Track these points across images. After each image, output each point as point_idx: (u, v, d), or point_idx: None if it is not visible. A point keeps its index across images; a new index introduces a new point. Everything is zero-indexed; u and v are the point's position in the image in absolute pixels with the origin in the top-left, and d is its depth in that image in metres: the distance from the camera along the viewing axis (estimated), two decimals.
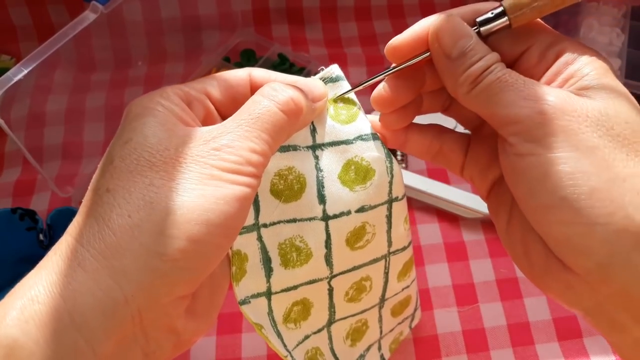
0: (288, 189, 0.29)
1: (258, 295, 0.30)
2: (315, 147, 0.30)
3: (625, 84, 0.61)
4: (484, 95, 0.26)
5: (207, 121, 0.28)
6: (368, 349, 0.39)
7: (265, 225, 0.29)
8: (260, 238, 0.30)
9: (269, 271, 0.30)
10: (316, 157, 0.30)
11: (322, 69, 0.31)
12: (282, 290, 0.31)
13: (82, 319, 0.22)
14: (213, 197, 0.24)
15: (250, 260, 0.29)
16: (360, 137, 0.31)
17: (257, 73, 0.30)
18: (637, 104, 0.26)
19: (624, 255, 0.22)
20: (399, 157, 0.56)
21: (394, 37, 0.29)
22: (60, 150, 0.57)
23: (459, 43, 0.27)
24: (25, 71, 0.42)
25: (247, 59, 0.64)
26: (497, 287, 0.49)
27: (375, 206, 0.31)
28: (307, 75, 0.62)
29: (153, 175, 0.24)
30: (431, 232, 0.52)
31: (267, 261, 0.30)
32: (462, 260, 0.50)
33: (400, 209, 0.33)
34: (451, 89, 0.27)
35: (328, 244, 0.31)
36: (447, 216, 0.53)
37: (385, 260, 0.34)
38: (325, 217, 0.30)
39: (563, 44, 0.27)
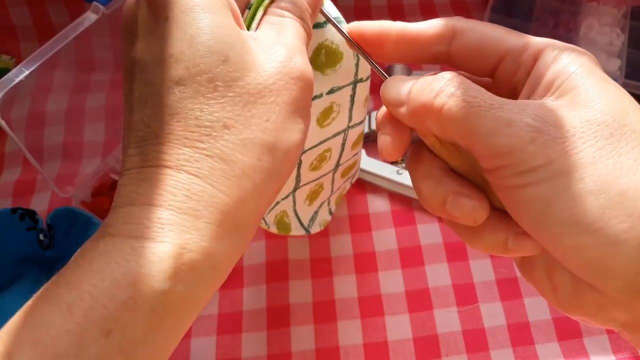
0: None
1: None
2: None
3: (625, 84, 0.61)
4: (452, 123, 0.23)
5: None
6: (320, 205, 0.43)
7: None
8: None
9: None
10: None
11: None
12: None
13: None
14: (303, 128, 0.24)
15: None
16: (327, 22, 0.31)
17: None
18: (632, 99, 0.24)
19: None
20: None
21: None
22: (60, 150, 0.57)
23: (399, 94, 0.26)
24: (27, 72, 0.42)
25: None
26: (497, 287, 0.49)
27: (342, 87, 0.32)
28: None
29: (266, 109, 0.22)
30: (431, 232, 0.52)
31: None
32: (462, 260, 0.50)
33: (363, 89, 0.34)
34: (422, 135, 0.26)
35: None
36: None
37: (345, 133, 0.36)
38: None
39: (538, 44, 0.25)
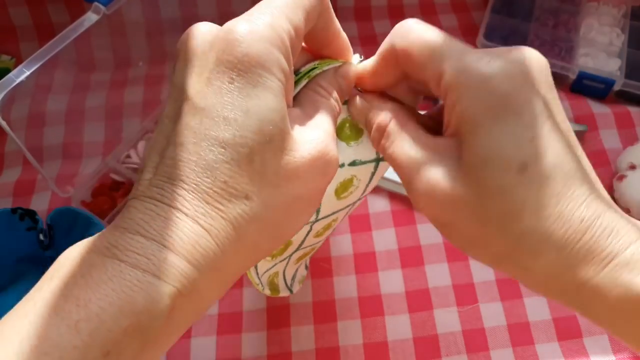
0: None
1: None
2: None
3: (625, 84, 0.61)
4: (395, 158, 0.28)
5: None
6: (300, 261, 0.43)
7: None
8: None
9: None
10: None
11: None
12: None
13: None
14: (310, 215, 0.28)
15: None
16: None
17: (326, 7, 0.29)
18: (525, 130, 0.24)
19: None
20: None
21: None
22: (60, 150, 0.57)
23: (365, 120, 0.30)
24: (28, 72, 0.42)
25: None
26: (497, 287, 0.49)
27: (365, 162, 0.33)
28: None
29: (287, 193, 0.24)
30: (431, 232, 0.52)
31: None
32: (462, 260, 0.50)
33: (384, 168, 0.35)
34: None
35: None
36: None
37: (354, 204, 0.37)
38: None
39: (445, 82, 0.26)
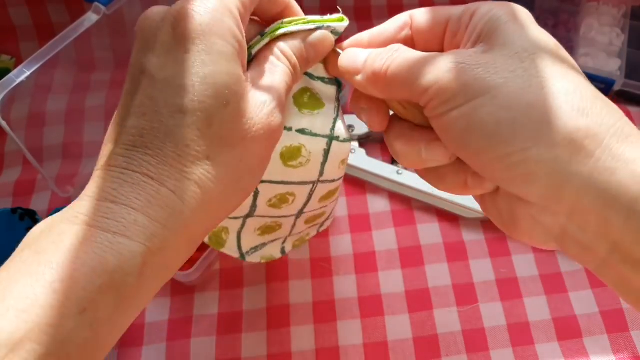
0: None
1: None
2: None
3: (625, 84, 0.61)
4: (395, 79, 0.27)
5: None
6: (273, 241, 0.42)
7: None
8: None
9: None
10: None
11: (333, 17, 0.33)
12: None
13: None
14: (262, 173, 0.29)
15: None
16: (321, 79, 0.34)
17: None
18: (557, 43, 0.28)
19: (564, 168, 0.23)
20: None
21: None
22: (60, 150, 0.57)
23: (356, 63, 0.30)
24: (28, 72, 0.43)
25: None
26: (497, 287, 0.49)
27: (315, 134, 0.34)
28: None
29: (243, 152, 0.26)
30: (431, 232, 0.52)
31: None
32: (462, 260, 0.50)
33: (340, 151, 0.35)
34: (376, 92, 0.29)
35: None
36: (447, 216, 0.53)
37: (313, 185, 0.37)
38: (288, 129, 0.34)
39: (475, 5, 0.28)
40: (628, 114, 0.60)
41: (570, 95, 0.24)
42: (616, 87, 0.60)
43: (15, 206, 0.47)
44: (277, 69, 0.29)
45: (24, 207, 0.47)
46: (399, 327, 0.46)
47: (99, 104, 0.60)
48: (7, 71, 0.63)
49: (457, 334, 0.46)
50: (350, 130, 0.57)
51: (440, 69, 0.26)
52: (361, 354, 0.45)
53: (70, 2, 0.65)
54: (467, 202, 0.51)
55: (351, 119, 0.58)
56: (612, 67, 0.62)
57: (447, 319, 0.47)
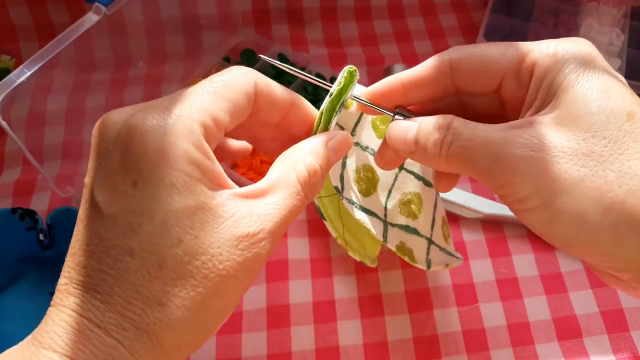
0: (368, 181, 0.35)
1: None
2: (352, 137, 0.35)
3: None
4: (454, 167, 0.26)
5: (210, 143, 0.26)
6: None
7: (386, 215, 0.36)
8: (393, 225, 0.36)
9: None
10: (357, 144, 0.35)
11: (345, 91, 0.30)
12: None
13: None
14: (234, 306, 0.25)
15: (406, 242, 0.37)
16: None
17: (261, 86, 0.27)
18: (635, 98, 0.25)
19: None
20: None
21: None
22: (60, 150, 0.57)
23: (406, 143, 0.28)
24: (29, 73, 0.43)
25: (247, 59, 0.64)
26: (497, 287, 0.49)
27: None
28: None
29: (205, 293, 0.23)
30: None
31: (407, 228, 0.37)
32: (462, 260, 0.50)
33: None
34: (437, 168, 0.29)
35: (417, 175, 0.38)
36: (447, 216, 0.53)
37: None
38: (400, 167, 0.36)
39: (532, 57, 0.26)
40: None
41: None
42: None
43: (15, 206, 0.47)
44: (286, 192, 0.26)
45: (24, 207, 0.47)
46: (399, 327, 0.46)
47: (99, 104, 0.60)
48: (7, 71, 0.63)
49: (457, 334, 0.46)
50: None
51: (510, 164, 0.24)
52: (361, 354, 0.45)
53: (70, 2, 0.65)
54: (467, 202, 0.51)
55: None
56: (612, 67, 0.62)
57: (447, 319, 0.47)
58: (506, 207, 0.51)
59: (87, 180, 0.24)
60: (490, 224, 0.52)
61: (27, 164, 0.58)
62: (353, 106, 0.33)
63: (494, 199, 0.52)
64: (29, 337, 0.23)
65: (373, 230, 0.34)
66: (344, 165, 0.34)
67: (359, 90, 0.31)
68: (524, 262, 0.50)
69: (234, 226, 0.24)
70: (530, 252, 0.51)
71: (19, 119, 0.56)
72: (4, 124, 0.42)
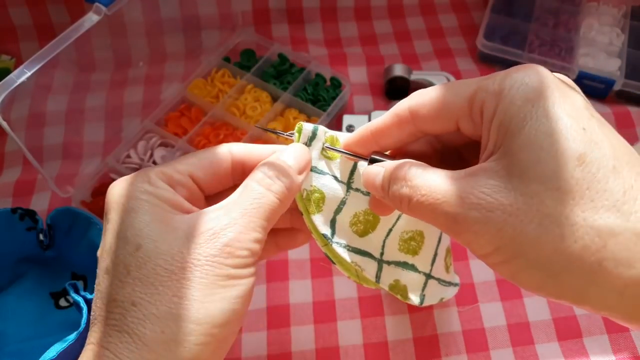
0: (367, 223, 0.35)
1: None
2: (350, 184, 0.35)
3: (625, 84, 0.61)
4: (421, 217, 0.27)
5: (191, 201, 0.30)
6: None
7: (382, 254, 0.36)
8: (389, 263, 0.36)
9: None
10: (357, 190, 0.35)
11: (293, 133, 0.34)
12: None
13: None
14: (232, 298, 0.26)
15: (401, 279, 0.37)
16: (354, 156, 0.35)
17: (237, 149, 0.32)
18: (573, 123, 0.23)
19: (624, 307, 0.23)
20: None
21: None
22: (60, 150, 0.57)
23: (376, 189, 0.29)
24: (29, 73, 0.43)
25: (247, 59, 0.64)
26: (497, 287, 0.49)
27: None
28: (307, 76, 0.62)
29: (174, 285, 0.25)
30: None
31: (405, 264, 0.37)
32: (462, 260, 0.50)
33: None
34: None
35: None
36: None
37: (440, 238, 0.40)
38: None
39: (479, 95, 0.26)
40: (628, 114, 0.60)
41: (610, 243, 0.22)
42: (616, 87, 0.60)
43: (15, 206, 0.47)
44: (246, 194, 0.29)
45: (24, 207, 0.47)
46: (399, 327, 0.46)
47: (99, 104, 0.60)
48: (7, 71, 0.63)
49: (457, 334, 0.46)
50: (350, 130, 0.57)
51: (465, 222, 0.24)
52: (361, 354, 0.45)
53: (70, 2, 0.65)
54: None
55: (351, 119, 0.58)
56: (612, 67, 0.62)
57: (447, 319, 0.47)
58: None
59: (103, 241, 0.29)
60: None
61: (27, 164, 0.58)
62: (338, 157, 0.35)
63: None
64: None
65: (366, 272, 0.36)
66: (338, 210, 0.35)
67: (342, 137, 0.34)
68: None
69: (189, 229, 0.27)
70: None
71: (19, 119, 0.56)
72: (4, 124, 0.42)
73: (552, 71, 0.26)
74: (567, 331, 0.46)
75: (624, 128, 0.59)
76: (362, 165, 0.34)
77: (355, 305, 0.48)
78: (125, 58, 0.63)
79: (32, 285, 0.48)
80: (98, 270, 0.27)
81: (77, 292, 0.41)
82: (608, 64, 0.63)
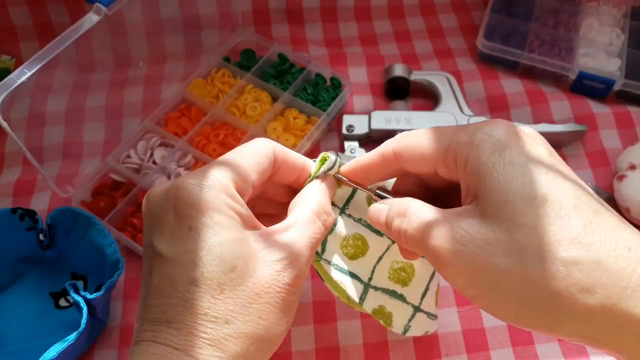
0: (357, 248, 0.37)
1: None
2: (344, 210, 0.38)
3: (625, 84, 0.61)
4: (415, 249, 0.30)
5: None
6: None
7: (370, 279, 0.38)
8: (376, 288, 0.38)
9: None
10: (349, 216, 0.38)
11: (326, 158, 0.36)
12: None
13: None
14: (289, 323, 0.30)
15: (387, 306, 0.38)
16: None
17: (279, 152, 0.34)
18: (538, 167, 0.27)
19: (592, 333, 0.25)
20: None
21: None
22: (60, 150, 0.57)
23: (380, 225, 0.32)
24: (29, 73, 0.43)
25: (247, 59, 0.64)
26: None
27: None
28: (307, 76, 0.62)
29: (260, 308, 0.28)
30: None
31: (393, 293, 0.38)
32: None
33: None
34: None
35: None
36: None
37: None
38: (393, 240, 0.38)
39: (452, 147, 0.29)
40: (628, 114, 0.60)
41: (573, 271, 0.24)
42: (616, 87, 0.60)
43: (15, 206, 0.47)
44: (304, 222, 0.32)
45: (24, 207, 0.47)
46: None
47: (99, 104, 0.60)
48: (7, 71, 0.63)
49: (457, 334, 0.46)
50: (350, 130, 0.57)
51: (442, 255, 0.27)
52: (361, 354, 0.45)
53: (70, 3, 0.65)
54: None
55: (351, 118, 0.58)
56: (612, 67, 0.62)
57: (447, 319, 0.47)
58: None
59: (145, 240, 0.30)
60: None
61: (27, 164, 0.58)
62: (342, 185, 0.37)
63: None
64: None
65: (350, 292, 0.37)
66: (330, 231, 0.37)
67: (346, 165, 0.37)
68: None
69: (269, 254, 0.29)
70: None
71: (19, 119, 0.56)
72: (4, 124, 0.42)
73: (552, 71, 0.28)
74: None
75: (624, 128, 0.59)
76: (362, 195, 0.38)
77: None
78: (125, 58, 0.63)
79: (32, 285, 0.48)
80: (173, 275, 0.27)
81: (77, 292, 0.41)
82: (608, 64, 0.63)
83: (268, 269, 0.29)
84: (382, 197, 0.34)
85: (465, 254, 0.26)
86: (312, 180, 0.36)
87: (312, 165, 0.36)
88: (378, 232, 0.38)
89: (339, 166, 0.36)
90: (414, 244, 0.29)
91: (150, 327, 0.27)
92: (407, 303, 0.39)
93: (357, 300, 0.37)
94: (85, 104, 0.60)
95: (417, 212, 0.29)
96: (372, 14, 0.72)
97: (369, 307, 0.37)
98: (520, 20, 0.67)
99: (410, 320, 0.39)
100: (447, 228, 0.27)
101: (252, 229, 0.30)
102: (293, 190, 0.36)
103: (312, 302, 0.48)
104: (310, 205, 0.33)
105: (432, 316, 0.41)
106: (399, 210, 0.30)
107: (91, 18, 0.46)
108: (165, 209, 0.29)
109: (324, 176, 0.36)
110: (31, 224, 0.47)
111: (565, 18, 0.67)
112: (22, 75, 0.43)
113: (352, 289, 0.37)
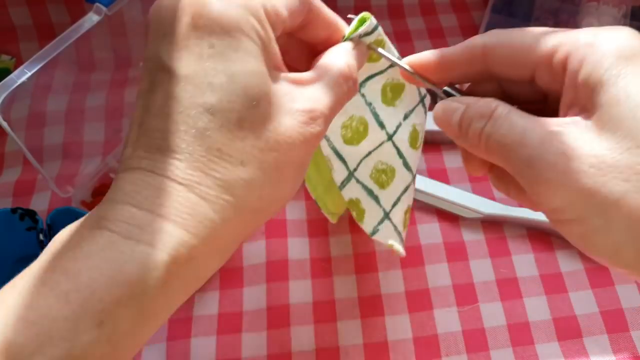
0: (356, 133, 0.36)
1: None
2: (360, 87, 0.36)
3: None
4: (495, 157, 0.25)
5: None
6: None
7: (355, 170, 0.37)
8: (358, 181, 0.37)
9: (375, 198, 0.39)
10: (363, 95, 0.36)
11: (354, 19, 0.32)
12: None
13: None
14: (295, 187, 0.26)
15: (362, 202, 0.38)
16: (390, 66, 0.37)
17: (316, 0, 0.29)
18: None
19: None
20: None
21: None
22: (60, 150, 0.57)
23: (450, 126, 0.27)
24: (29, 73, 0.43)
25: None
26: (497, 287, 0.49)
27: (413, 109, 0.39)
28: None
29: (278, 158, 0.24)
30: (431, 232, 0.52)
31: (370, 192, 0.38)
32: (462, 260, 0.50)
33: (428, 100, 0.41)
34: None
35: (400, 154, 0.39)
36: (447, 216, 0.53)
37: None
38: (390, 137, 0.38)
39: (563, 48, 0.25)
40: None
41: None
42: None
43: (15, 206, 0.47)
44: (331, 82, 0.27)
45: (24, 207, 0.47)
46: (399, 327, 0.46)
47: (99, 104, 0.60)
48: (7, 71, 0.63)
49: (457, 334, 0.46)
50: None
51: (539, 166, 0.23)
52: (361, 354, 0.45)
53: (70, 3, 0.65)
54: (467, 202, 0.51)
55: None
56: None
57: (447, 319, 0.47)
58: (506, 207, 0.51)
59: (148, 53, 0.24)
60: (490, 224, 0.52)
61: (27, 164, 0.58)
62: (380, 62, 0.35)
63: (494, 199, 0.52)
64: (99, 203, 0.22)
65: (335, 173, 0.35)
66: None
67: (392, 48, 0.34)
68: (524, 262, 0.50)
69: (292, 101, 0.25)
70: (530, 252, 0.51)
71: (19, 119, 0.56)
72: (4, 124, 0.42)
73: None
74: (567, 331, 0.46)
75: None
76: (380, 80, 0.36)
77: (355, 305, 0.48)
78: (125, 58, 0.63)
79: None
80: (184, 96, 0.22)
81: None
82: None
83: (290, 118, 0.24)
84: (449, 96, 0.29)
85: (572, 170, 0.22)
86: (345, 41, 0.31)
87: (346, 28, 0.31)
88: (381, 124, 0.37)
89: (377, 36, 0.32)
90: (498, 151, 0.25)
91: (146, 155, 0.22)
92: (380, 206, 0.38)
93: (338, 184, 0.36)
94: (85, 104, 0.60)
95: (506, 115, 0.25)
96: (372, 14, 0.72)
97: (347, 195, 0.37)
98: (520, 20, 0.67)
99: (379, 224, 0.39)
100: (549, 138, 0.23)
101: (277, 70, 0.25)
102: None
103: (311, 302, 0.48)
104: (339, 66, 0.28)
105: (398, 232, 0.41)
106: (482, 112, 0.25)
107: (91, 18, 0.46)
108: (181, 18, 0.23)
109: (357, 42, 0.31)
110: (31, 224, 0.47)
111: (565, 18, 0.67)
112: (22, 75, 0.43)
113: (338, 170, 0.35)
